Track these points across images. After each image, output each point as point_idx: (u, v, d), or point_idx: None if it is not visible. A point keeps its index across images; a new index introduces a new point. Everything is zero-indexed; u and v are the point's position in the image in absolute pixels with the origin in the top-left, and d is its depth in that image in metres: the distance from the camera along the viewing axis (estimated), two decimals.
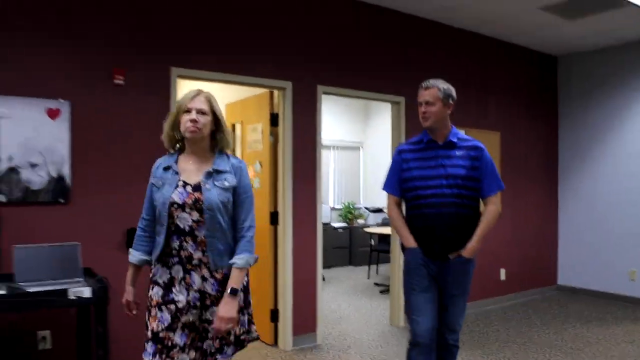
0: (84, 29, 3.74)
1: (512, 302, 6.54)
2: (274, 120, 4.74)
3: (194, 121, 2.34)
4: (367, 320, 5.82)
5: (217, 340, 2.43)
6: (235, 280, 2.37)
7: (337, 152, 10.28)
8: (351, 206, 9.92)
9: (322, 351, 4.69)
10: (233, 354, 2.49)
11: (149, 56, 3.98)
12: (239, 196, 2.45)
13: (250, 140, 5.08)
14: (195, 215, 2.36)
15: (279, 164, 4.71)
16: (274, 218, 4.75)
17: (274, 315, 4.79)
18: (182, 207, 2.36)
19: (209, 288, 2.41)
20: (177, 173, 2.42)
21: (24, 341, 3.57)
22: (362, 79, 5.18)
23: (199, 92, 2.42)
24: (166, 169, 2.45)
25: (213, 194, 2.36)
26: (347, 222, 9.81)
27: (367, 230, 8.52)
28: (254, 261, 2.45)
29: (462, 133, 3.21)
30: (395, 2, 5.21)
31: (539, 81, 7.09)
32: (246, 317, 2.50)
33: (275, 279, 4.79)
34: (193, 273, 2.39)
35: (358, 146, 10.64)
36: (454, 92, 3.12)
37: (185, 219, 2.37)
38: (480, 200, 3.15)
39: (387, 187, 3.30)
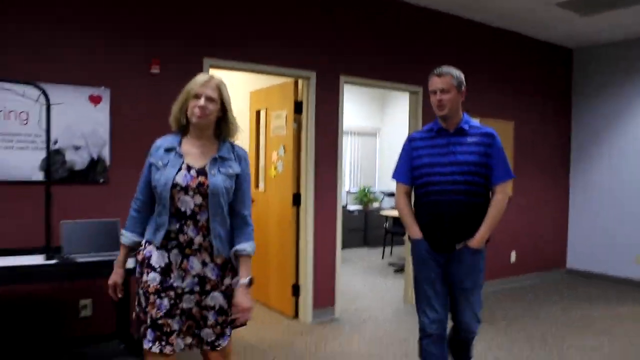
0: (124, 22, 4.02)
1: (521, 284, 6.80)
2: (298, 107, 5.00)
3: (202, 108, 2.31)
4: (382, 297, 6.12)
5: (218, 327, 2.40)
6: (248, 269, 2.40)
7: (354, 137, 10.51)
8: (367, 190, 10.18)
9: (340, 324, 5.00)
10: (230, 334, 2.49)
11: (183, 47, 4.25)
12: (240, 185, 2.44)
13: (273, 126, 5.35)
14: (199, 199, 2.33)
15: (302, 149, 4.98)
16: (296, 199, 5.04)
17: (296, 290, 5.10)
18: (184, 189, 2.32)
19: (210, 273, 2.37)
20: (180, 155, 2.38)
21: (67, 309, 3.89)
22: (381, 69, 5.41)
23: (210, 78, 2.38)
24: (168, 150, 2.40)
25: (218, 180, 2.35)
26: (362, 205, 10.07)
27: (382, 213, 8.79)
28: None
29: (473, 120, 3.14)
30: None
31: (554, 73, 7.27)
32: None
33: (297, 256, 5.09)
34: (192, 258, 2.36)
35: (375, 132, 10.87)
36: (464, 79, 3.06)
37: (188, 203, 2.33)
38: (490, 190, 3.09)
39: (397, 175, 3.24)
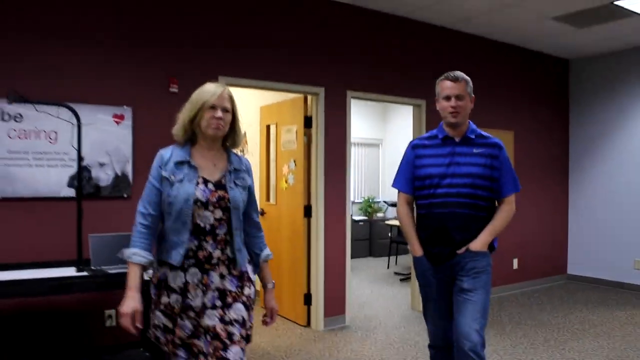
0: (144, 44, 4.26)
1: (524, 290, 7.00)
2: (307, 122, 5.23)
3: (220, 120, 2.27)
4: (389, 305, 6.31)
5: (243, 342, 2.30)
6: (270, 274, 2.53)
7: (357, 148, 10.72)
8: (371, 200, 10.40)
9: (351, 331, 5.19)
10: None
11: (199, 67, 4.48)
12: (250, 195, 2.45)
13: (284, 140, 5.57)
14: (218, 213, 2.27)
15: (312, 162, 5.20)
16: (307, 211, 5.25)
17: (307, 299, 5.30)
18: (204, 204, 2.25)
19: (229, 285, 2.30)
20: (196, 169, 2.29)
21: (93, 319, 4.09)
22: (386, 84, 5.65)
23: (223, 89, 2.32)
24: (179, 163, 2.29)
25: (237, 192, 2.33)
26: (367, 216, 10.28)
27: (387, 222, 8.98)
28: None
29: (479, 129, 3.01)
30: (419, 13, 5.66)
31: (552, 83, 7.52)
32: (252, 313, 2.43)
33: (308, 266, 5.29)
34: (212, 273, 2.28)
35: (378, 143, 11.09)
36: None
37: (207, 218, 2.25)
38: (496, 201, 2.99)
39: (398, 183, 3.11)
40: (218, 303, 2.27)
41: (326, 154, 5.21)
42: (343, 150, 5.34)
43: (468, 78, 2.93)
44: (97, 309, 4.11)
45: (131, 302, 2.20)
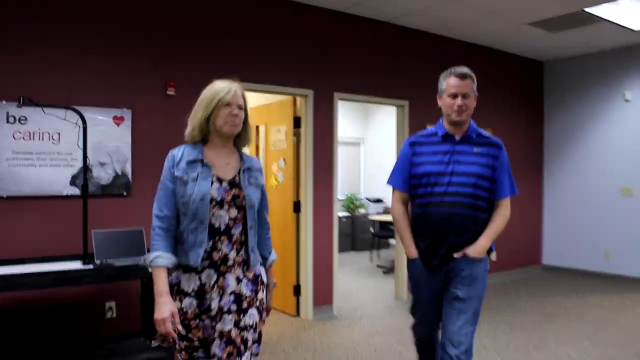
0: (143, 50, 4.47)
1: (502, 280, 7.33)
2: (296, 122, 5.48)
3: (235, 116, 2.23)
4: (374, 295, 6.60)
5: (254, 346, 2.26)
6: (272, 274, 2.51)
7: (339, 147, 10.91)
8: (353, 197, 10.67)
9: (339, 320, 5.46)
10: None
11: (195, 71, 4.69)
12: (262, 194, 2.40)
13: (274, 139, 5.82)
14: (234, 212, 2.22)
15: (301, 161, 5.46)
16: (296, 207, 5.50)
17: (297, 290, 5.55)
18: (220, 203, 2.19)
19: (245, 289, 2.24)
20: (209, 167, 2.22)
21: (94, 311, 4.29)
22: (371, 86, 5.94)
23: (237, 86, 2.29)
24: (191, 162, 2.22)
25: (252, 191, 2.28)
26: (349, 212, 10.55)
27: (370, 217, 9.27)
28: None
29: (480, 129, 2.93)
30: (403, 19, 5.95)
31: (527, 83, 7.91)
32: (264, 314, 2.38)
33: (297, 259, 5.55)
34: (228, 275, 2.21)
35: (359, 142, 11.37)
36: None
37: (222, 217, 2.20)
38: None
39: (394, 181, 2.96)
40: (234, 307, 2.19)
41: (314, 152, 5.46)
42: (330, 149, 5.61)
43: (474, 75, 2.82)
44: (98, 302, 4.31)
45: (165, 307, 2.11)
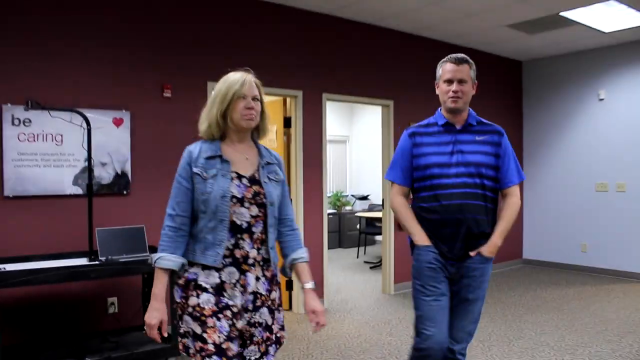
0: (141, 54, 4.63)
1: None
2: (287, 122, 5.69)
3: (252, 109, 2.14)
4: (362, 290, 6.84)
5: (263, 345, 2.20)
6: (310, 273, 2.30)
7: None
8: (339, 194, 10.90)
9: (330, 313, 5.68)
10: (274, 353, 2.26)
11: (190, 74, 4.87)
12: (284, 190, 2.32)
13: (265, 139, 5.99)
14: (255, 210, 2.13)
15: (292, 159, 5.66)
16: None
17: (289, 285, 5.77)
18: (240, 201, 2.10)
19: (261, 288, 2.18)
20: (228, 163, 2.14)
21: (96, 306, 4.45)
22: (358, 87, 6.16)
23: (251, 77, 2.22)
24: (209, 158, 2.14)
25: (272, 187, 2.20)
26: (335, 209, 10.77)
27: (357, 214, 9.50)
28: None
29: (479, 117, 2.86)
30: (386, 22, 6.16)
31: (507, 82, 8.20)
32: (282, 314, 2.31)
33: None
34: (249, 274, 2.14)
35: (345, 140, 11.58)
36: None
37: (243, 215, 2.11)
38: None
39: (393, 175, 2.82)
40: (250, 307, 2.16)
41: (304, 151, 5.67)
42: (319, 147, 5.82)
43: (472, 61, 2.76)
44: (100, 298, 4.48)
45: (156, 313, 2.07)
